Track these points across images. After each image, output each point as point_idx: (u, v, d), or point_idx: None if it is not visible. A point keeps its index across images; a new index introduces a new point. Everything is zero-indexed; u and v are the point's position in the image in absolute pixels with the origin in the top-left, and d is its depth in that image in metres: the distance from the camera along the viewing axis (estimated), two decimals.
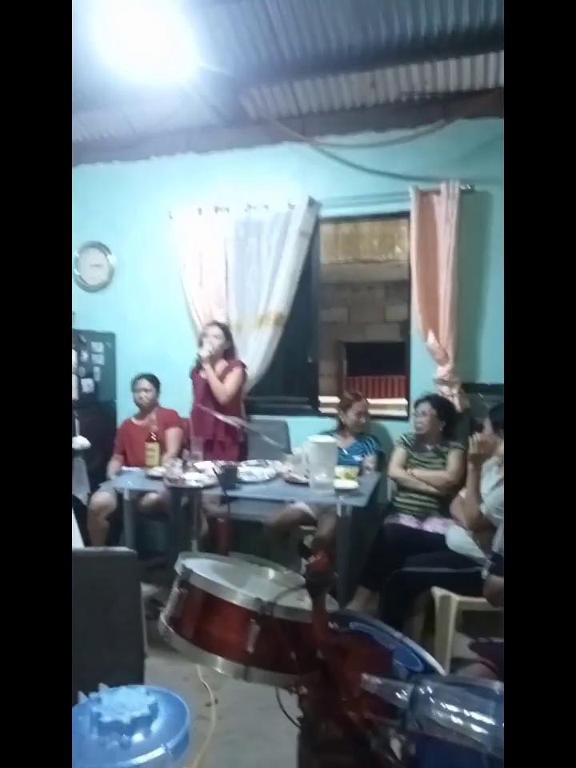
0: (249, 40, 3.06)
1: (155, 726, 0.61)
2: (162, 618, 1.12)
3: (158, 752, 0.57)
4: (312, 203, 3.60)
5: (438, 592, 2.48)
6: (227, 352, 3.61)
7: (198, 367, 3.56)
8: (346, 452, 3.22)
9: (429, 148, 3.35)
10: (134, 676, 1.09)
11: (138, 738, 0.59)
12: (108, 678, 0.71)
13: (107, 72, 3.29)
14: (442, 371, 3.31)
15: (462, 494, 2.61)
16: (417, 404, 3.22)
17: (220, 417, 2.98)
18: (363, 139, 3.52)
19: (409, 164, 3.43)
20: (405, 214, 3.50)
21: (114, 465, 3.62)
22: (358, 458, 3.25)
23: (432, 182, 3.32)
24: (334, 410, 3.54)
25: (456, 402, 3.28)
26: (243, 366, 3.62)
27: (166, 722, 0.61)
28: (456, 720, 0.95)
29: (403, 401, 3.81)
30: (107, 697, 0.63)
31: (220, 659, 1.03)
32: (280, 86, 3.42)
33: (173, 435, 3.56)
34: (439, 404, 3.14)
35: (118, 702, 0.63)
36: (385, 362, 7.14)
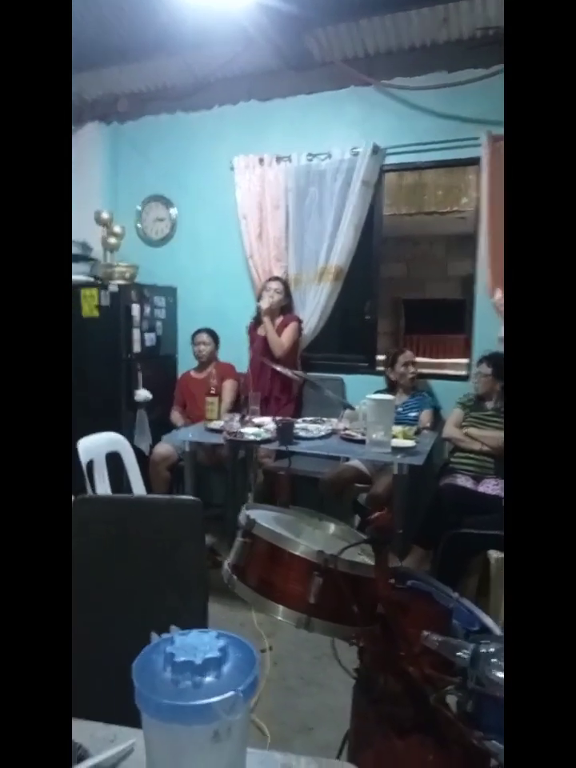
0: None
1: (226, 669, 0.62)
2: (226, 565, 1.15)
3: (229, 694, 0.57)
4: (376, 150, 3.45)
5: (494, 554, 2.44)
6: (284, 307, 3.60)
7: (256, 323, 3.57)
8: (400, 409, 3.17)
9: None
10: (199, 619, 1.13)
11: (209, 679, 0.60)
12: (175, 620, 0.73)
13: (169, 16, 3.22)
14: None
15: None
16: (477, 364, 3.14)
17: (280, 369, 2.98)
18: (432, 80, 3.31)
19: (481, 106, 3.21)
20: (474, 161, 3.31)
21: (175, 416, 3.72)
22: (413, 414, 3.21)
23: None
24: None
25: None
26: (299, 320, 3.60)
27: (235, 665, 0.62)
28: None
29: (464, 360, 3.69)
30: (179, 638, 0.65)
31: (282, 608, 1.06)
32: (346, 24, 3.24)
33: (228, 387, 3.62)
34: (496, 362, 3.04)
35: (190, 644, 0.64)
36: (444, 319, 6.93)
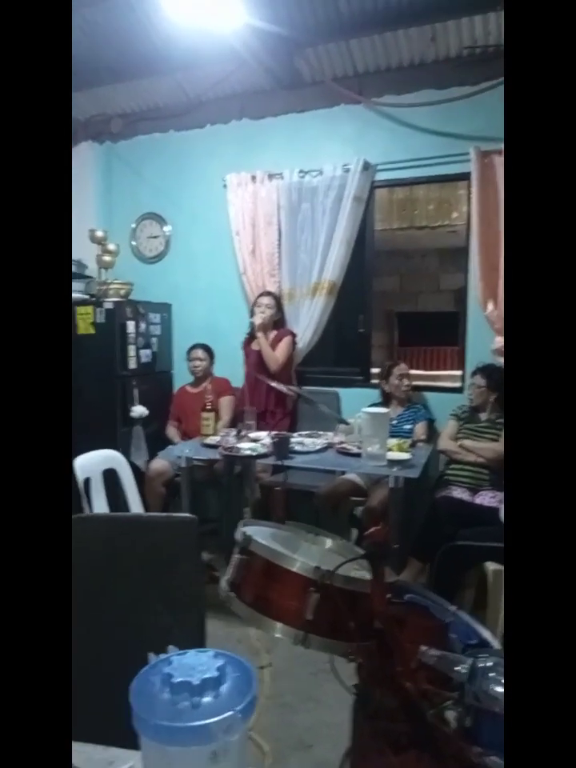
0: None
1: (224, 689, 0.62)
2: (223, 582, 1.15)
3: (227, 714, 0.58)
4: (367, 167, 3.50)
5: (490, 566, 2.44)
6: (277, 322, 3.62)
7: (250, 338, 3.59)
8: (395, 422, 3.19)
9: (492, 105, 3.16)
10: (197, 637, 1.13)
11: (207, 699, 0.60)
12: (172, 638, 0.73)
13: (160, 37, 3.28)
14: (501, 341, 3.20)
15: None
16: (472, 375, 3.16)
17: (275, 384, 2.99)
18: (422, 98, 3.37)
19: (469, 123, 3.27)
20: (463, 177, 3.36)
21: (170, 431, 3.72)
22: (408, 427, 3.22)
23: (494, 142, 3.14)
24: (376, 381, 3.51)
25: None
26: (293, 335, 3.62)
27: (234, 684, 0.62)
28: None
29: (458, 372, 3.72)
30: (176, 658, 0.65)
31: (279, 625, 1.06)
32: (336, 44, 3.30)
33: (226, 403, 3.63)
34: (490, 374, 3.06)
35: (187, 664, 0.64)
36: (438, 332, 6.98)
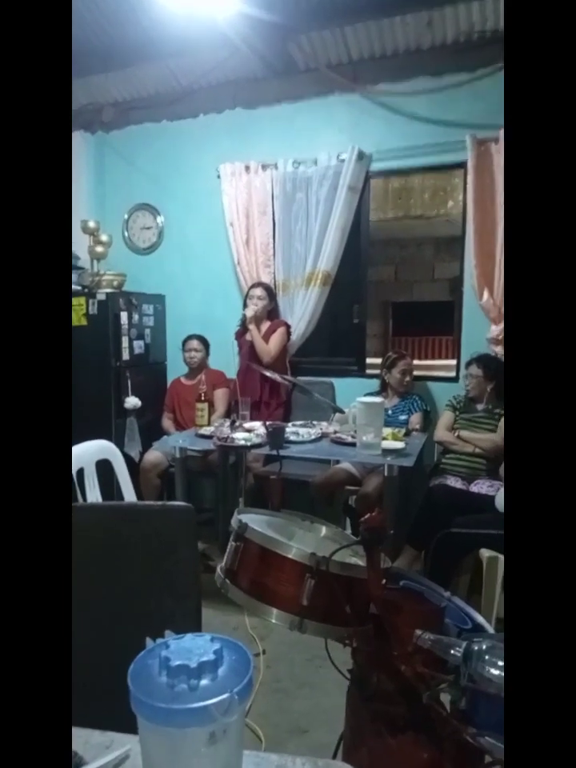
0: None
1: (221, 672, 0.62)
2: (219, 569, 1.15)
3: (225, 696, 0.58)
4: (362, 156, 3.48)
5: (485, 553, 2.46)
6: (271, 312, 3.61)
7: (243, 329, 3.58)
8: (390, 412, 3.19)
9: (488, 92, 3.15)
10: (194, 623, 1.13)
11: (204, 682, 0.61)
12: (170, 624, 0.73)
13: (152, 24, 3.24)
14: (496, 330, 3.21)
15: None
16: (467, 365, 3.16)
17: (269, 374, 2.99)
18: (417, 85, 3.35)
19: (465, 110, 3.25)
20: (459, 165, 3.36)
21: (166, 423, 3.72)
22: (403, 417, 3.23)
23: (491, 130, 3.13)
24: (377, 370, 3.51)
25: None
26: (287, 325, 3.61)
27: (230, 667, 0.63)
28: None
29: (452, 361, 3.73)
30: (174, 642, 0.65)
31: (275, 610, 1.06)
32: (330, 31, 3.26)
33: (220, 395, 3.62)
34: (487, 364, 3.06)
35: (185, 648, 0.64)
36: (432, 321, 7.00)
